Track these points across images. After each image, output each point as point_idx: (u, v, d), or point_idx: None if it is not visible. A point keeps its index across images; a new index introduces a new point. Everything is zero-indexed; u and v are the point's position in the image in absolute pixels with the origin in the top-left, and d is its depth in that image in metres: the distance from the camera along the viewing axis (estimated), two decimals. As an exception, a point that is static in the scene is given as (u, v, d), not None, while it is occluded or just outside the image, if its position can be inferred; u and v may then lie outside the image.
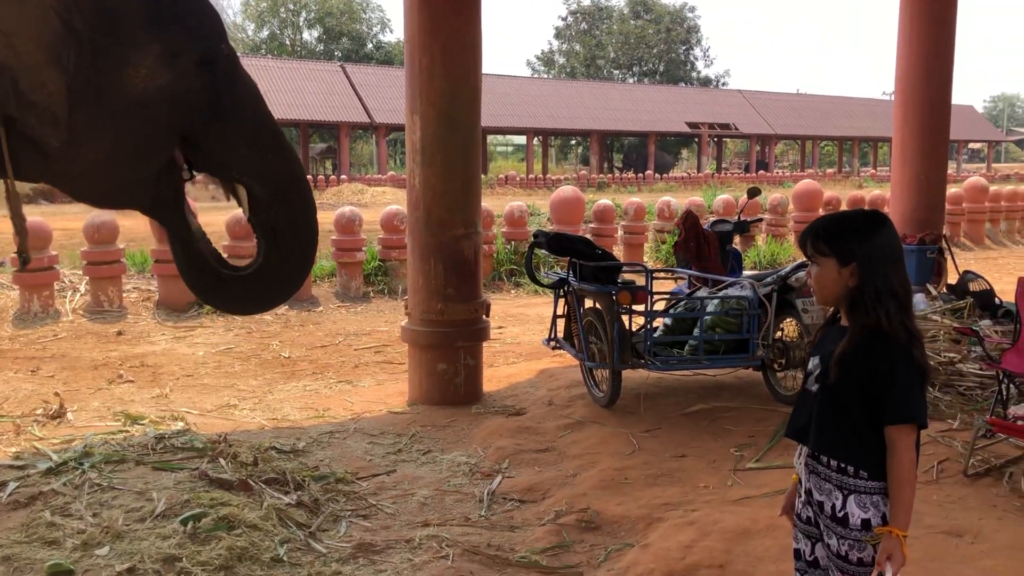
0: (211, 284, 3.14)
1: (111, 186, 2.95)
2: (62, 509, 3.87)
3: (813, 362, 2.32)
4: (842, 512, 2.20)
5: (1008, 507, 3.91)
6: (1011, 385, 4.64)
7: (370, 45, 57.42)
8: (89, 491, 4.08)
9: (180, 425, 5.32)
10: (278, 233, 3.06)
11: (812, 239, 2.25)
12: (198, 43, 2.81)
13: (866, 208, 2.40)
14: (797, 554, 2.40)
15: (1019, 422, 4.08)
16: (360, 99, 40.17)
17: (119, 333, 8.55)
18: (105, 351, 7.83)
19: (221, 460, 4.42)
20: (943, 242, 8.78)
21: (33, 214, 9.22)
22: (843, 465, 2.20)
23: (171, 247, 3.12)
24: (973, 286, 7.73)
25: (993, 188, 17.79)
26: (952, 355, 5.89)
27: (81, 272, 9.64)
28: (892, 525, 2.12)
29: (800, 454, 2.35)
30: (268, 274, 3.13)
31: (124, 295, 9.54)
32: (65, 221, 15.42)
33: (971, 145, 67.28)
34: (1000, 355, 4.80)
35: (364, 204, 25.56)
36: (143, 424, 5.37)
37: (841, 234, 2.22)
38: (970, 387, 5.56)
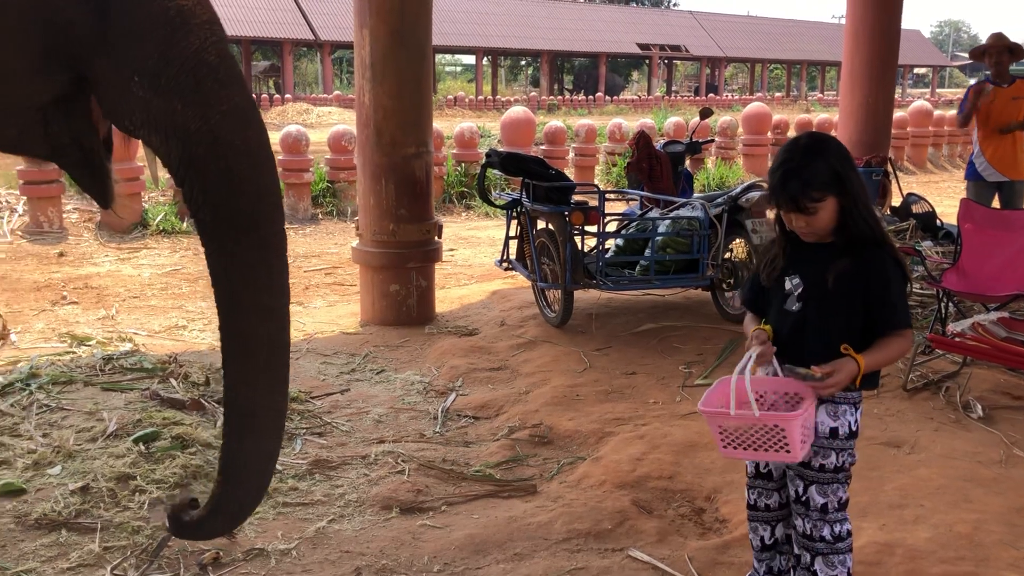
0: None
1: None
2: (11, 430, 3.81)
3: (792, 282, 2.30)
4: None
5: (943, 419, 4.07)
6: (950, 303, 4.79)
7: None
8: (38, 412, 4.03)
9: (128, 346, 5.25)
10: (205, 223, 1.99)
11: (801, 195, 2.17)
12: None
13: (811, 133, 2.36)
14: (747, 468, 2.48)
15: (956, 339, 4.22)
16: (304, 15, 39.01)
17: (61, 255, 8.35)
18: (47, 272, 7.65)
19: (172, 380, 4.39)
20: (888, 165, 8.91)
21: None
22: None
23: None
24: (916, 208, 7.90)
25: (937, 113, 18.03)
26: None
27: (18, 192, 9.33)
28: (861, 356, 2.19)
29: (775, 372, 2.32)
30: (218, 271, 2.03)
31: (64, 216, 9.29)
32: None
33: (916, 70, 67.87)
34: (940, 275, 4.93)
35: (310, 124, 25.04)
36: (90, 345, 5.29)
37: (838, 173, 2.19)
38: (912, 306, 5.73)
